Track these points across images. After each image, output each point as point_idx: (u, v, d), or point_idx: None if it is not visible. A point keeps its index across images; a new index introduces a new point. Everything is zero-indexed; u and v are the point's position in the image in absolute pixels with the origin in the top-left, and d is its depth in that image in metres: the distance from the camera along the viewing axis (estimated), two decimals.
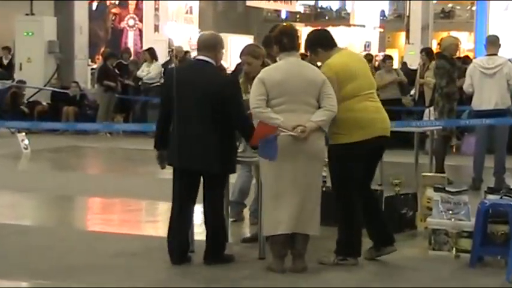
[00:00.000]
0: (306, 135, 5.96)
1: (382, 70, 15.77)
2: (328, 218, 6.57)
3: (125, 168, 12.96)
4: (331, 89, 6.10)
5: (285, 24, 6.47)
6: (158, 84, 17.85)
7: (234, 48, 27.47)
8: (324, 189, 7.35)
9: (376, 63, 21.36)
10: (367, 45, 32.19)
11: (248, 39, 27.22)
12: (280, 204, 6.02)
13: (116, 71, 17.95)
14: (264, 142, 5.90)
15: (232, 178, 7.23)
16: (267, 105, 6.02)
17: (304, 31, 32.15)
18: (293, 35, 6.21)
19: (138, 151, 14.70)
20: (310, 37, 6.49)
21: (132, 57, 19.62)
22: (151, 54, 18.22)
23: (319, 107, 6.08)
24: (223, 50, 6.49)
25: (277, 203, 6.03)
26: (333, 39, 6.54)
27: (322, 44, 6.44)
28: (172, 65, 17.81)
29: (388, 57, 16.23)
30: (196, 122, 6.23)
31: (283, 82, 6.02)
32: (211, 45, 6.38)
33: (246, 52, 7.14)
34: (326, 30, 6.78)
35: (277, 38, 6.25)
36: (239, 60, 7.87)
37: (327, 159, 6.47)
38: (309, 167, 6.05)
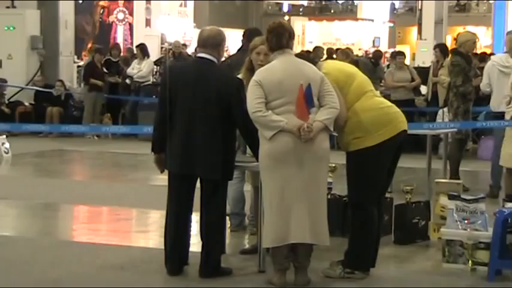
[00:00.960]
0: (312, 136, 5.97)
1: (392, 68, 15.65)
2: (335, 227, 6.57)
3: (113, 174, 12.96)
4: (330, 86, 6.13)
5: (273, 21, 6.40)
6: (150, 83, 17.88)
7: (231, 44, 27.46)
8: (329, 196, 7.40)
9: (386, 60, 21.35)
10: (376, 41, 32.20)
11: None
12: (287, 211, 6.01)
13: (105, 69, 17.96)
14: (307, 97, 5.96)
15: None
16: (266, 108, 6.01)
17: (308, 25, 32.24)
18: (280, 33, 6.19)
19: (128, 155, 14.72)
20: None
21: (122, 54, 19.62)
22: (143, 50, 18.23)
23: (320, 106, 6.08)
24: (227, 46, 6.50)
25: (284, 210, 6.01)
26: (312, 59, 6.62)
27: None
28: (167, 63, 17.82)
29: (399, 53, 16.04)
30: (198, 124, 6.25)
31: (282, 82, 6.03)
32: (215, 43, 6.40)
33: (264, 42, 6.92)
34: (307, 51, 6.84)
35: (267, 37, 6.28)
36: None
37: (333, 164, 6.47)
38: (317, 170, 6.05)
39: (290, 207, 6.01)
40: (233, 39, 27.71)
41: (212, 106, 6.23)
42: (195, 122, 6.26)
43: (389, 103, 6.53)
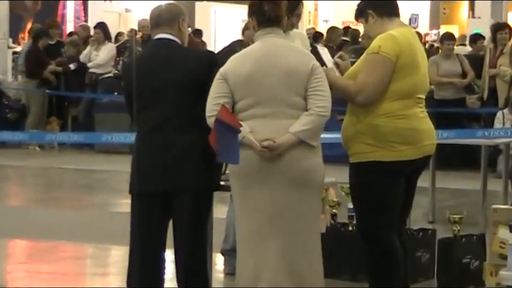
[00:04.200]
0: (276, 154, 5.91)
1: (438, 56, 15.48)
2: (355, 270, 6.57)
3: (62, 197, 12.96)
4: (323, 82, 6.02)
5: None
6: (111, 75, 17.86)
7: (219, 23, 27.50)
8: (350, 228, 7.41)
9: (426, 45, 21.36)
10: (414, 20, 32.30)
11: (240, 11, 27.29)
12: (258, 247, 6.02)
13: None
14: (224, 140, 5.83)
15: (219, 213, 7.22)
16: (232, 110, 5.96)
17: (320, 4, 32.37)
18: (278, 3, 6.13)
19: (81, 172, 14.69)
20: None
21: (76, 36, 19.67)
22: (105, 32, 18.21)
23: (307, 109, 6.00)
24: (189, 28, 6.51)
25: (254, 245, 6.04)
26: (395, 7, 6.51)
27: (375, 5, 6.43)
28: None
29: (448, 37, 15.78)
30: (164, 124, 6.26)
31: (251, 76, 5.98)
32: (170, 18, 6.46)
33: None
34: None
35: (254, 7, 6.16)
36: (225, 38, 7.80)
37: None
38: (294, 196, 6.02)
39: (262, 240, 6.00)
40: (221, 16, 27.80)
41: (185, 98, 6.24)
42: (164, 125, 6.27)
43: (426, 117, 6.46)
